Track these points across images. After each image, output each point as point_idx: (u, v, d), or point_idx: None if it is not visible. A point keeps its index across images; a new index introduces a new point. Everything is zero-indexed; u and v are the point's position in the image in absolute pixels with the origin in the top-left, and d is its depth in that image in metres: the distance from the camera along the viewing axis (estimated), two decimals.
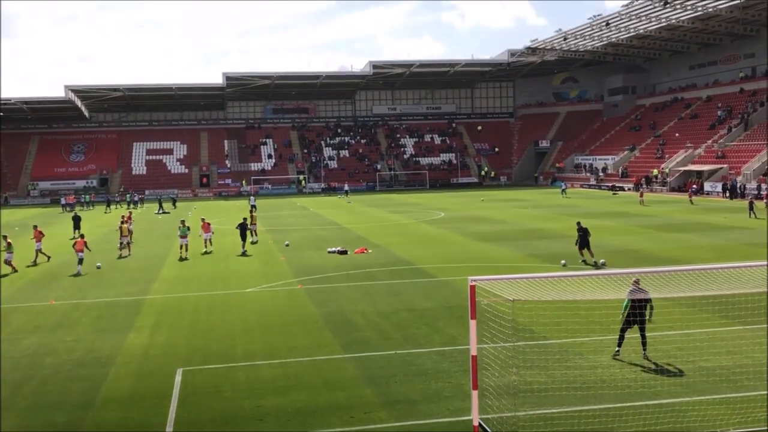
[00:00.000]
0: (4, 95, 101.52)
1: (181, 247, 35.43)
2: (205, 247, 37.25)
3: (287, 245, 37.64)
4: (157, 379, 15.74)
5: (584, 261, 29.47)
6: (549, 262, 29.81)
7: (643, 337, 16.10)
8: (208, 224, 38.12)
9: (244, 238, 36.27)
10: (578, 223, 31.04)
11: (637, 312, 15.72)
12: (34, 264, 33.23)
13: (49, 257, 34.24)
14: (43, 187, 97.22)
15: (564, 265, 28.55)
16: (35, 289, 27.53)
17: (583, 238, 29.84)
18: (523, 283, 14.06)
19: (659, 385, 14.12)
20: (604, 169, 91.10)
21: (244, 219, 37.90)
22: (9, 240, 31.95)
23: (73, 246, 32.22)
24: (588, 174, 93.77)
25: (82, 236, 34.81)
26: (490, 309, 16.11)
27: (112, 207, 74.20)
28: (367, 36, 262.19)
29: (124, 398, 14.57)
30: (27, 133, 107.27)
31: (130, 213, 47.61)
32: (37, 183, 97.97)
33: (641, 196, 61.35)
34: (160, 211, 66.50)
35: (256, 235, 40.96)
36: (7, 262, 31.06)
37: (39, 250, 33.98)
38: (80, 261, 30.93)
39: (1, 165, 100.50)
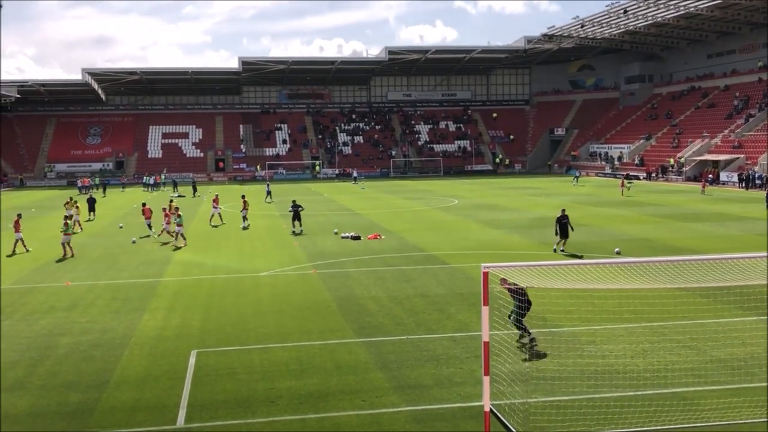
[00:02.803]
0: (22, 77, 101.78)
1: (176, 235, 34.04)
2: (211, 221, 41.50)
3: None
4: (171, 360, 15.87)
5: (562, 250, 29.24)
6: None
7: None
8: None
9: (296, 218, 37.55)
10: (563, 211, 30.60)
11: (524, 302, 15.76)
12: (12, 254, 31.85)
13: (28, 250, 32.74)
14: (60, 170, 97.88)
15: (618, 253, 28.37)
16: (51, 270, 27.77)
17: (564, 227, 29.46)
18: (536, 270, 14.05)
19: (672, 375, 14.08)
20: (620, 158, 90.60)
21: (294, 202, 38.93)
22: (67, 221, 32.11)
23: (142, 213, 37.96)
24: (603, 162, 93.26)
25: (143, 204, 39.84)
26: (503, 296, 16.15)
27: (127, 189, 74.56)
28: (378, 21, 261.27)
29: (138, 379, 14.71)
30: (44, 116, 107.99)
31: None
32: (53, 165, 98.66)
33: (622, 185, 60.55)
34: (176, 195, 66.80)
35: (247, 220, 40.85)
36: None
37: (20, 240, 32.53)
38: (149, 226, 36.63)
39: (18, 147, 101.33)
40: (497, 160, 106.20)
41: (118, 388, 14.20)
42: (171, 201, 41.93)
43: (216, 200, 43.19)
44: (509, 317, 16.11)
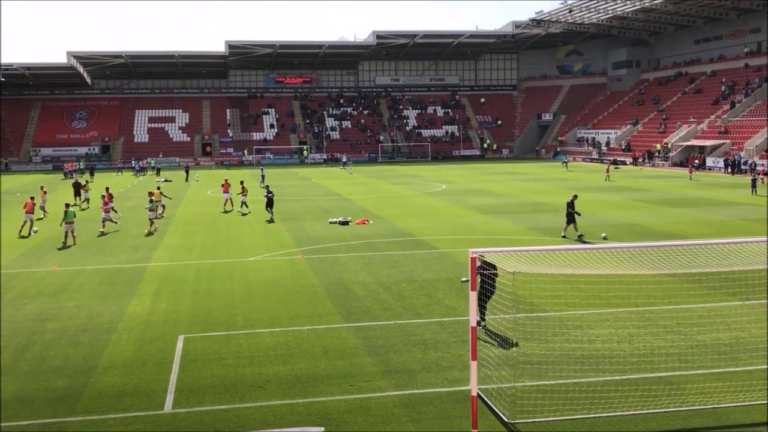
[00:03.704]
0: (6, 60, 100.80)
1: (150, 221, 33.87)
2: (225, 206, 41.41)
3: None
4: (159, 345, 15.84)
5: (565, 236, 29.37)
6: (549, 236, 29.86)
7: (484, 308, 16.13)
8: (230, 185, 43.03)
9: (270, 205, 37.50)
10: (575, 196, 30.74)
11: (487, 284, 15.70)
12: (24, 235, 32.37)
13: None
14: (45, 154, 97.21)
15: (605, 239, 28.53)
16: (38, 255, 27.63)
17: (571, 214, 29.57)
18: (524, 255, 14.08)
19: (657, 359, 14.20)
20: (607, 143, 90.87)
21: (267, 188, 39.25)
22: (70, 208, 30.82)
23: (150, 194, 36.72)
24: (590, 148, 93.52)
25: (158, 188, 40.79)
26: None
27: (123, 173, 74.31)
28: (366, 2, 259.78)
29: (126, 364, 14.68)
30: (29, 99, 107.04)
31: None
32: (39, 149, 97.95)
33: (607, 171, 61.04)
34: (162, 180, 66.46)
35: (247, 206, 40.42)
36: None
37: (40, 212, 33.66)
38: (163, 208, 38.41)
39: (2, 131, 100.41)
40: (485, 145, 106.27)
41: (105, 373, 14.17)
42: (158, 188, 41.73)
43: (225, 185, 42.98)
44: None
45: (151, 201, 34.46)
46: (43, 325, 17.61)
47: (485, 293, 15.63)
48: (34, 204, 33.45)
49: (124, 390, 13.30)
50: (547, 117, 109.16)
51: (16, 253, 28.10)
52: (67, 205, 31.15)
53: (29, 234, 32.40)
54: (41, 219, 37.61)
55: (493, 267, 15.16)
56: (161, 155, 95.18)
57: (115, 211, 36.39)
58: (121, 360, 14.94)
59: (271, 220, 36.24)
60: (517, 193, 49.05)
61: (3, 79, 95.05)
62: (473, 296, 11.60)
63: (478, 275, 15.57)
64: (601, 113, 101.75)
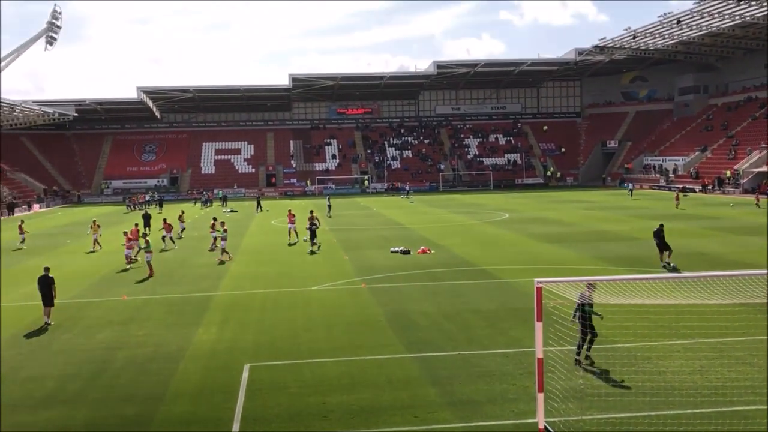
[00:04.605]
0: (80, 96, 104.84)
1: (222, 250, 34.65)
2: (290, 237, 41.01)
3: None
4: (225, 374, 16.05)
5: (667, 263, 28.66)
6: (616, 265, 29.27)
7: (591, 342, 15.86)
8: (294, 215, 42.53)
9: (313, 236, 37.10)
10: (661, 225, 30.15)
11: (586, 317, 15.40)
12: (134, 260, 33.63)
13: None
14: (116, 186, 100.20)
15: (673, 268, 27.95)
16: (108, 284, 28.40)
17: (661, 243, 29.00)
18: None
19: (731, 392, 13.70)
20: (675, 170, 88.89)
21: (311, 223, 38.26)
22: (148, 239, 32.00)
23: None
24: (657, 175, 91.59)
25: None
26: (556, 311, 15.94)
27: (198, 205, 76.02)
28: (425, 36, 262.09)
29: (193, 392, 14.91)
30: (101, 134, 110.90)
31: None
32: (110, 182, 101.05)
33: (677, 199, 59.67)
34: (228, 210, 67.74)
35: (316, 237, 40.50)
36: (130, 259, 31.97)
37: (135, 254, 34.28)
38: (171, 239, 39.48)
39: (76, 164, 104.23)
40: (548, 173, 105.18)
41: (173, 401, 14.41)
42: (214, 219, 42.26)
43: (290, 216, 42.29)
44: (574, 315, 15.77)
45: (224, 230, 35.13)
46: (114, 353, 18.05)
47: (586, 330, 15.44)
48: (138, 231, 36.10)
49: (193, 418, 13.49)
50: (612, 144, 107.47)
51: (87, 282, 28.94)
52: (145, 235, 32.00)
53: (135, 259, 33.56)
54: (93, 252, 38.61)
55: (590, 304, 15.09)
56: (235, 186, 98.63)
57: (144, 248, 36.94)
58: (189, 388, 15.18)
59: (312, 252, 36.01)
60: (582, 221, 48.29)
61: (76, 114, 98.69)
62: (539, 327, 11.44)
63: (578, 311, 15.38)
64: (668, 140, 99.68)
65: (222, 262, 33.29)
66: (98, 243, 39.77)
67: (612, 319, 17.58)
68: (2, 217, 70.00)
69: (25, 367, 17.00)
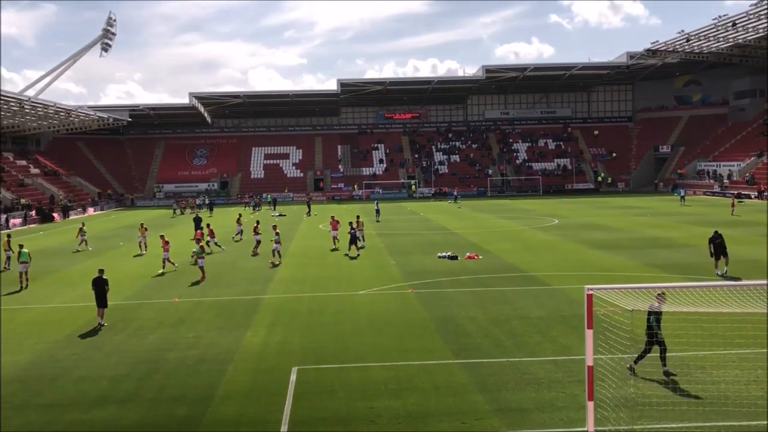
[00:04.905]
0: (133, 102, 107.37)
1: (273, 252, 35.00)
2: (334, 243, 40.62)
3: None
4: (273, 376, 16.17)
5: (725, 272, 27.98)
6: (669, 272, 28.70)
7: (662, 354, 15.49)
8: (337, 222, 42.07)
9: (353, 241, 37.31)
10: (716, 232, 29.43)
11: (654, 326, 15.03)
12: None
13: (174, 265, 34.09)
14: (168, 190, 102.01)
15: (723, 275, 27.27)
16: (159, 287, 28.89)
17: (718, 246, 28.32)
18: (642, 293, 13.62)
19: None
20: (729, 176, 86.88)
21: (351, 224, 38.72)
22: (201, 244, 32.10)
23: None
24: (711, 181, 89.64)
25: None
26: (607, 319, 15.69)
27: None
28: (472, 40, 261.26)
29: (242, 394, 15.06)
30: (154, 138, 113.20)
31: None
32: (162, 186, 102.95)
33: (732, 205, 58.18)
34: (277, 214, 68.44)
35: (363, 240, 40.70)
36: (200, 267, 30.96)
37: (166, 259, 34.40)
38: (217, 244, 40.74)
39: (129, 168, 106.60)
40: (599, 178, 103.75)
41: (222, 403, 14.57)
42: (257, 222, 42.70)
43: (333, 222, 41.62)
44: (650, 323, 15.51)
45: (277, 234, 35.52)
46: (165, 354, 18.34)
47: (653, 341, 15.19)
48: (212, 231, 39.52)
49: (241, 419, 13.63)
50: (664, 149, 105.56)
51: (139, 284, 29.48)
52: (198, 242, 32.25)
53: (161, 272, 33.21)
54: (141, 255, 39.15)
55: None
56: (286, 190, 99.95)
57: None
58: (238, 390, 15.33)
59: (351, 257, 36.03)
60: (633, 227, 47.49)
61: (130, 119, 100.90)
62: (589, 334, 11.27)
63: (651, 320, 15.13)
64: (722, 145, 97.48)
65: (274, 265, 33.65)
66: (145, 245, 40.47)
67: (664, 327, 17.21)
68: (58, 220, 71.81)
69: (79, 367, 17.39)
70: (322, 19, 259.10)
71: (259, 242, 38.51)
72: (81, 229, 43.75)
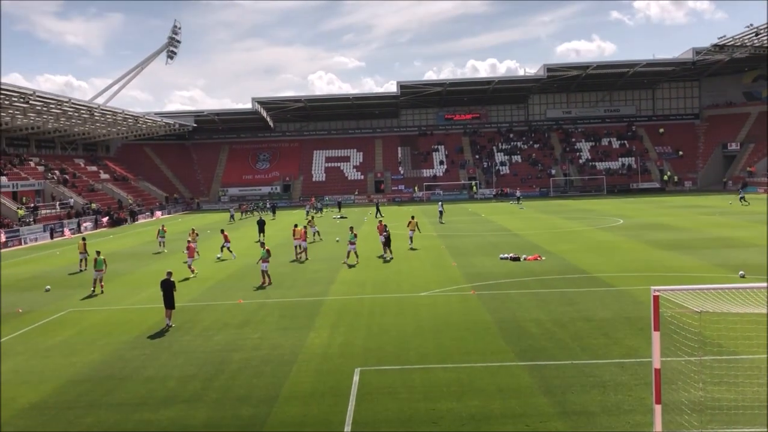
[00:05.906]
0: (198, 107, 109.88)
1: (348, 253, 35.94)
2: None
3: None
4: (336, 377, 16.32)
5: None
6: (738, 273, 27.87)
7: None
8: (415, 223, 41.84)
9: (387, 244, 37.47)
10: None
11: None
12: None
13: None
14: (232, 193, 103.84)
15: (742, 276, 26.66)
16: (224, 288, 29.44)
17: None
18: (711, 294, 13.25)
19: None
20: None
21: (385, 227, 38.48)
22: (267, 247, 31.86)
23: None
24: None
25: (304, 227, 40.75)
26: (674, 321, 15.33)
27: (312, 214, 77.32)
28: (532, 40, 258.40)
29: (306, 395, 15.24)
30: (218, 143, 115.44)
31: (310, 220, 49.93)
32: (226, 189, 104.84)
33: None
34: (338, 216, 68.99)
35: (391, 252, 39.68)
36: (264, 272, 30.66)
37: (227, 249, 35.42)
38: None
39: (195, 172, 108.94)
40: (665, 177, 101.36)
41: (286, 403, 14.78)
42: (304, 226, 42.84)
43: (381, 227, 39.26)
44: None
45: (354, 235, 35.99)
46: (230, 355, 18.69)
47: None
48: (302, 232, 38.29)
49: (305, 420, 13.80)
50: (733, 147, 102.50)
51: (204, 287, 30.10)
52: (263, 244, 32.60)
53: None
54: (195, 260, 39.35)
55: None
56: (356, 192, 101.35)
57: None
58: (301, 391, 15.52)
59: (384, 260, 36.01)
60: (701, 227, 46.27)
61: (195, 125, 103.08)
62: (656, 336, 11.05)
63: None
64: None
65: (351, 266, 34.10)
66: (196, 251, 40.92)
67: (734, 329, 16.77)
68: (126, 224, 73.88)
69: (147, 367, 17.87)
70: (380, 22, 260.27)
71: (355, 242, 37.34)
72: (160, 231, 45.49)
